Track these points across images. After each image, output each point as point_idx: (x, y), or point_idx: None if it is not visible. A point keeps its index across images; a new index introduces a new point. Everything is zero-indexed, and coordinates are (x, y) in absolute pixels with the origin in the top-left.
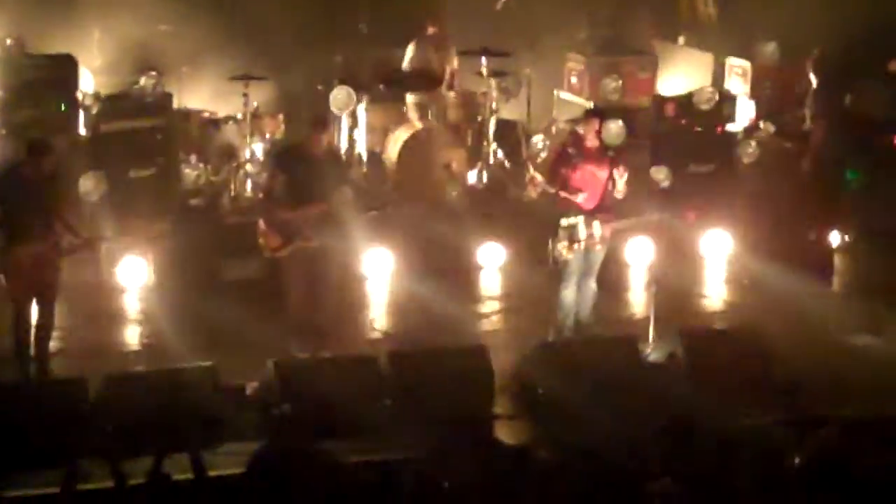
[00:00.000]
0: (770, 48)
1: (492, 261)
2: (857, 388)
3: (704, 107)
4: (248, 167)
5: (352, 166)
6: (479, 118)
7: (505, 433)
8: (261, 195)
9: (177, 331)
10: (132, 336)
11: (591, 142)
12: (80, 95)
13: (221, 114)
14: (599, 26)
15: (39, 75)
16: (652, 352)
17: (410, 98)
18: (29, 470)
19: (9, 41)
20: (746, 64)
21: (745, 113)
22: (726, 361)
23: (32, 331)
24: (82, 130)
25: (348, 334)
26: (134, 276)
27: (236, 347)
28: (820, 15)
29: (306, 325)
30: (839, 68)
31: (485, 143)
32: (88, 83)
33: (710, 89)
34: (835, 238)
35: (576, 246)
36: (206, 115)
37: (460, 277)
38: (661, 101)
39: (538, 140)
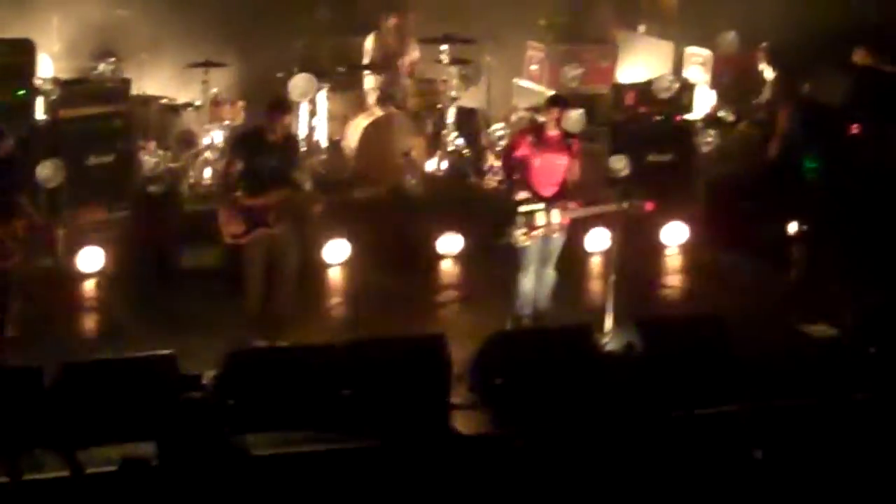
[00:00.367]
0: (730, 37)
1: (450, 249)
2: (815, 376)
3: (664, 95)
4: (208, 154)
5: (311, 154)
6: (439, 106)
7: (462, 423)
8: (220, 178)
9: (135, 319)
10: (89, 324)
11: (552, 130)
12: (38, 81)
13: (181, 100)
14: (560, 14)
15: None
16: (609, 341)
17: (370, 85)
18: None
19: None
20: (706, 53)
21: (704, 102)
22: (684, 350)
23: None
24: (41, 116)
25: (306, 323)
26: (91, 264)
27: (194, 336)
28: (779, 4)
29: (264, 313)
30: (798, 57)
31: (444, 131)
32: (47, 68)
33: (670, 78)
34: (793, 227)
35: (534, 233)
36: (166, 101)
37: (418, 266)
38: (620, 89)
39: (498, 128)
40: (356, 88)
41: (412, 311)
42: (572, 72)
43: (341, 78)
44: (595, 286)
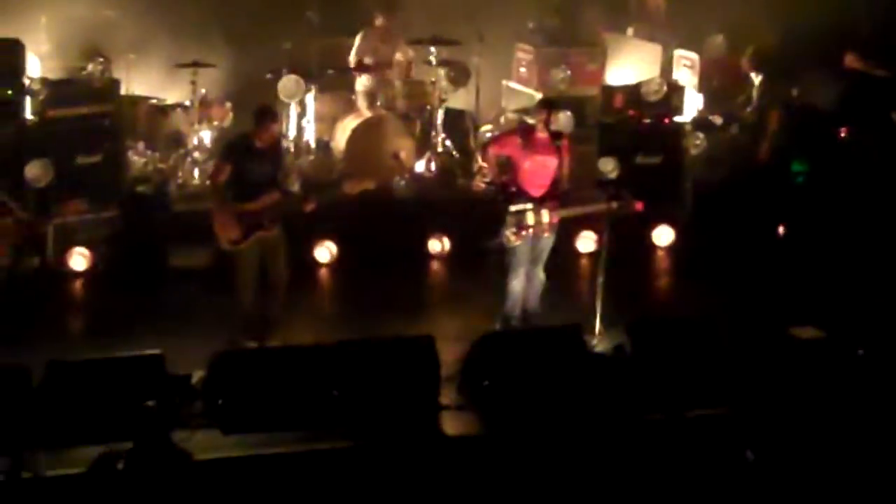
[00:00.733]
0: (718, 40)
1: (439, 250)
2: (801, 380)
3: (652, 98)
4: (196, 155)
5: (300, 155)
6: (428, 107)
7: (451, 424)
8: (210, 186)
9: (123, 319)
10: (78, 324)
11: (541, 132)
12: (26, 81)
13: (169, 101)
14: (549, 17)
15: None
16: (599, 342)
17: (359, 86)
18: None
19: None
20: (695, 56)
21: (692, 104)
22: (673, 352)
23: None
24: (29, 116)
25: (296, 324)
26: (80, 263)
27: (184, 336)
28: (768, 7)
29: (255, 314)
30: (787, 60)
31: (433, 133)
32: (35, 68)
33: (659, 80)
34: (781, 230)
35: (524, 233)
36: (154, 101)
37: (407, 267)
38: (609, 91)
39: (487, 130)
40: (345, 89)
41: (401, 312)
42: (561, 74)
43: (330, 79)
44: (584, 287)
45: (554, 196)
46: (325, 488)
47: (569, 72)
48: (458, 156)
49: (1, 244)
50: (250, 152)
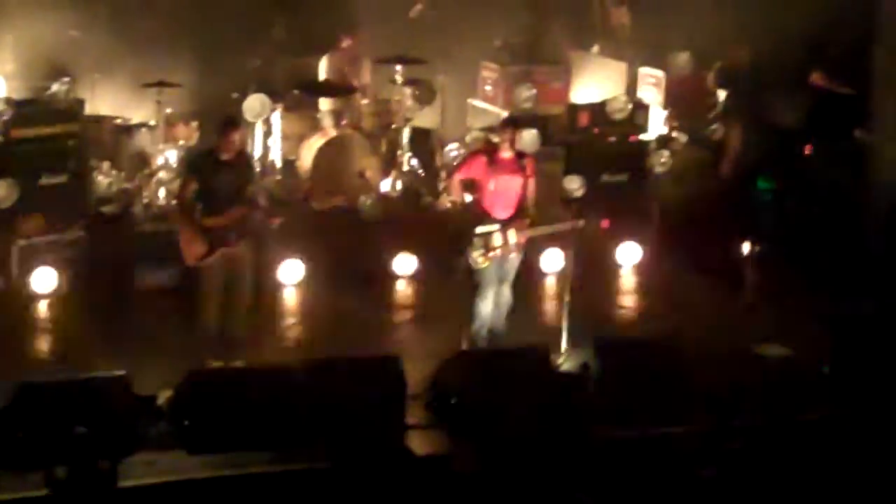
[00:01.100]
0: (683, 58)
1: (405, 269)
2: (766, 398)
3: (618, 116)
4: (162, 174)
5: (266, 174)
6: (394, 126)
7: (418, 443)
8: (175, 203)
9: (89, 339)
10: (43, 345)
11: (506, 151)
12: None
13: (134, 120)
14: (514, 35)
15: None
16: (565, 361)
17: (325, 106)
18: None
19: None
20: (660, 73)
21: (658, 122)
22: (639, 371)
23: None
24: None
25: (262, 344)
26: (45, 284)
27: (150, 356)
28: (733, 25)
29: (221, 333)
30: (751, 77)
31: (399, 152)
32: (0, 88)
33: (624, 98)
34: (747, 247)
35: (491, 254)
36: (119, 121)
37: (373, 286)
38: (574, 109)
39: (452, 148)
40: (311, 109)
41: (367, 332)
42: (526, 92)
43: (296, 98)
44: (551, 306)
45: (520, 216)
46: None
47: (534, 90)
48: (423, 174)
49: None
50: (216, 165)
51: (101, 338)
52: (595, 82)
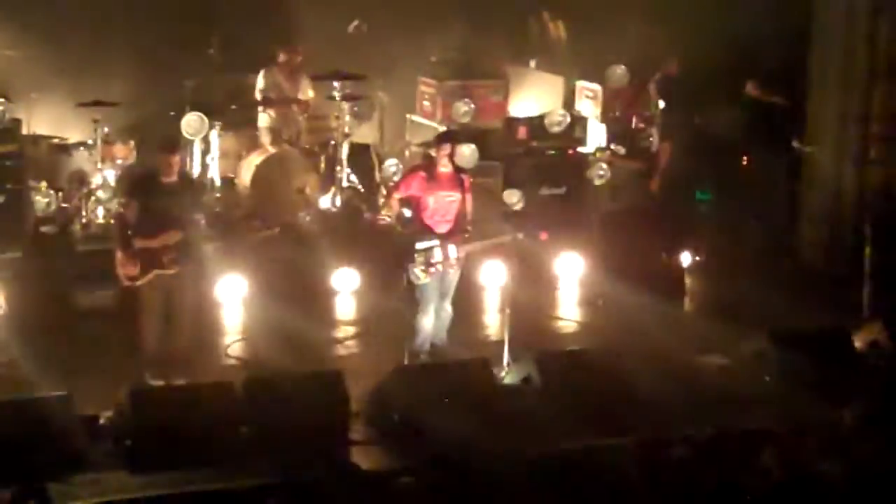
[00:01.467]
0: (620, 71)
1: (346, 285)
2: (707, 408)
3: (556, 129)
4: (100, 194)
5: (205, 192)
6: (332, 142)
7: (362, 459)
8: (113, 223)
9: (29, 360)
10: None
11: (444, 167)
12: None
13: (72, 140)
14: (451, 50)
15: None
16: (507, 374)
17: (263, 122)
18: None
19: None
20: (597, 87)
21: (595, 135)
22: (581, 383)
23: None
24: None
25: (203, 361)
26: None
27: (91, 376)
28: (669, 38)
29: (161, 352)
30: (688, 89)
31: (338, 167)
32: None
33: (561, 112)
34: (685, 258)
35: (432, 269)
36: (57, 141)
37: (315, 302)
38: (512, 123)
39: (391, 164)
40: (249, 126)
41: (310, 348)
42: (464, 107)
43: (234, 116)
44: (492, 320)
45: (459, 231)
46: None
47: (472, 105)
48: (363, 190)
49: None
50: (156, 187)
51: (41, 358)
52: (533, 96)
